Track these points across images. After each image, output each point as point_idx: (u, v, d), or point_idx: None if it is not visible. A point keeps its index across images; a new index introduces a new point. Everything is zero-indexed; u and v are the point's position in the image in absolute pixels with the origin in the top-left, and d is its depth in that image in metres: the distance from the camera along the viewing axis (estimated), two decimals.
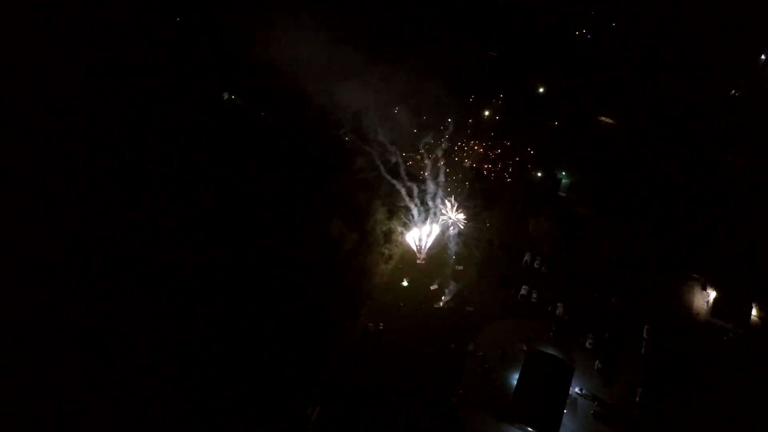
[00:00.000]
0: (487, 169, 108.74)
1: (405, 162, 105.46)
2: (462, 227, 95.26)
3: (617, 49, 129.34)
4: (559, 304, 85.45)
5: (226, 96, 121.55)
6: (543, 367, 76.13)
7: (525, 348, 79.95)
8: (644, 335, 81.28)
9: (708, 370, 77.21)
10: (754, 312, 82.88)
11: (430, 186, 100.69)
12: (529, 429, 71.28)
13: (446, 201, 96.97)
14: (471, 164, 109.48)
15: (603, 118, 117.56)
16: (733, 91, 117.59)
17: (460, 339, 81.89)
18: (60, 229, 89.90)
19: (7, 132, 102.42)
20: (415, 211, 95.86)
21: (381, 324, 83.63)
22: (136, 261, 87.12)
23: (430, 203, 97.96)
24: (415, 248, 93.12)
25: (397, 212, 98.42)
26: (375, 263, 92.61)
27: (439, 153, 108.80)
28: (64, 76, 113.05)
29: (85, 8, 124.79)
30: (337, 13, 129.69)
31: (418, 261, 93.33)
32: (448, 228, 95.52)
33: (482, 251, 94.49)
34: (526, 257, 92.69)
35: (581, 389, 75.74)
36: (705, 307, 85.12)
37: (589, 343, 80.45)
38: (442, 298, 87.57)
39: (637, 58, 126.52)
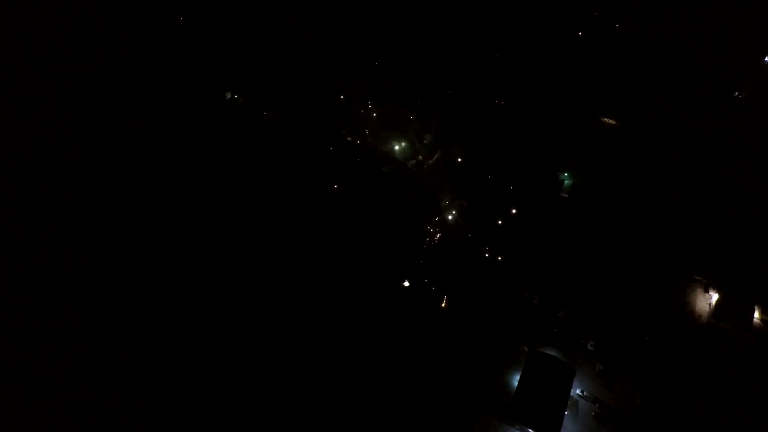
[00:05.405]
0: (488, 170, 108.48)
1: (406, 161, 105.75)
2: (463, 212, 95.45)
3: (620, 50, 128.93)
4: (561, 305, 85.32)
5: (228, 95, 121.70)
6: (544, 368, 76.00)
7: (526, 349, 79.86)
8: (646, 337, 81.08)
9: (710, 373, 76.97)
10: (756, 314, 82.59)
11: (431, 185, 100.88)
12: (530, 430, 71.22)
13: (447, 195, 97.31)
14: (472, 165, 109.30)
15: (605, 119, 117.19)
16: (737, 93, 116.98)
17: (461, 340, 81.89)
18: (64, 230, 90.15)
19: (8, 132, 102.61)
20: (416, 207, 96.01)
21: (382, 324, 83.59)
22: (138, 260, 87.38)
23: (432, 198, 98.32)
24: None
25: (399, 210, 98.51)
26: (376, 263, 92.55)
27: (440, 153, 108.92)
28: (64, 75, 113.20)
29: (87, 6, 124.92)
30: (340, 12, 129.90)
31: (419, 261, 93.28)
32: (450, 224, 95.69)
33: (484, 252, 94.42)
34: (528, 259, 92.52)
35: (582, 391, 75.63)
36: (707, 309, 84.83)
37: (591, 345, 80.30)
38: (444, 298, 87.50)
39: (639, 60, 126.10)
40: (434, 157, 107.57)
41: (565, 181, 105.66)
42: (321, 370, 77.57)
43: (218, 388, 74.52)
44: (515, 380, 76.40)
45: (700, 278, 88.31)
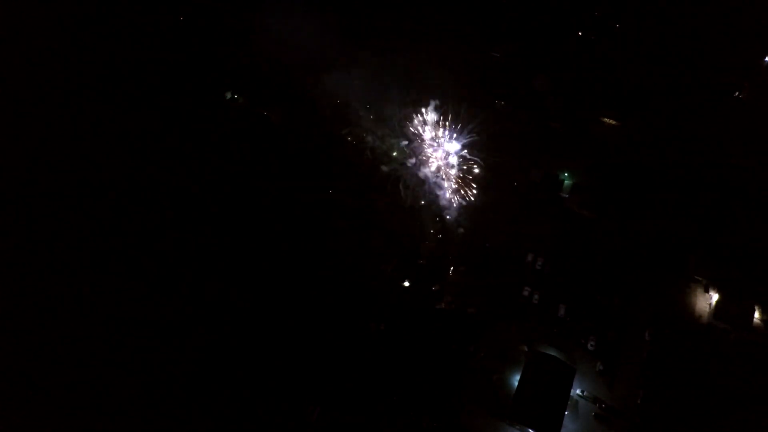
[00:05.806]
0: (489, 170, 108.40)
1: (406, 161, 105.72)
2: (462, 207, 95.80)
3: (621, 50, 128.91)
4: (561, 305, 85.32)
5: (228, 95, 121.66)
6: (544, 368, 76.07)
7: (526, 349, 79.85)
8: (646, 337, 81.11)
9: (710, 373, 76.95)
10: (756, 315, 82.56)
11: (431, 184, 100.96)
12: (530, 430, 71.23)
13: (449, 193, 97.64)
14: (471, 165, 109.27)
15: (606, 119, 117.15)
16: (737, 93, 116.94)
17: (462, 340, 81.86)
18: (64, 230, 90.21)
19: (8, 132, 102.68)
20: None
21: (382, 324, 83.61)
22: (139, 260, 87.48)
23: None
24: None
25: (398, 210, 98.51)
26: (377, 264, 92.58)
27: (439, 153, 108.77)
28: (64, 75, 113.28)
29: (87, 6, 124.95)
30: (342, 12, 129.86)
31: (419, 261, 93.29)
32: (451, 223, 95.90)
33: (484, 251, 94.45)
34: (528, 258, 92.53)
35: (583, 391, 75.63)
36: (707, 309, 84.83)
37: (591, 345, 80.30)
38: (444, 298, 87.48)
39: (640, 60, 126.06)
40: (433, 157, 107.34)
41: (565, 181, 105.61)
42: (321, 370, 77.57)
43: (218, 388, 74.54)
44: (515, 380, 76.39)
45: (700, 278, 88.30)
